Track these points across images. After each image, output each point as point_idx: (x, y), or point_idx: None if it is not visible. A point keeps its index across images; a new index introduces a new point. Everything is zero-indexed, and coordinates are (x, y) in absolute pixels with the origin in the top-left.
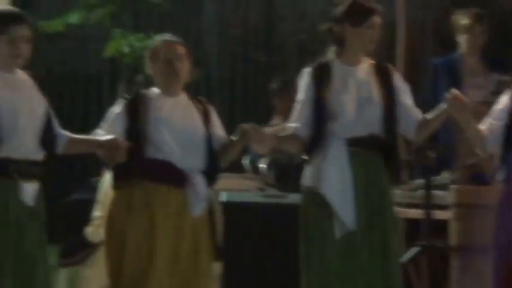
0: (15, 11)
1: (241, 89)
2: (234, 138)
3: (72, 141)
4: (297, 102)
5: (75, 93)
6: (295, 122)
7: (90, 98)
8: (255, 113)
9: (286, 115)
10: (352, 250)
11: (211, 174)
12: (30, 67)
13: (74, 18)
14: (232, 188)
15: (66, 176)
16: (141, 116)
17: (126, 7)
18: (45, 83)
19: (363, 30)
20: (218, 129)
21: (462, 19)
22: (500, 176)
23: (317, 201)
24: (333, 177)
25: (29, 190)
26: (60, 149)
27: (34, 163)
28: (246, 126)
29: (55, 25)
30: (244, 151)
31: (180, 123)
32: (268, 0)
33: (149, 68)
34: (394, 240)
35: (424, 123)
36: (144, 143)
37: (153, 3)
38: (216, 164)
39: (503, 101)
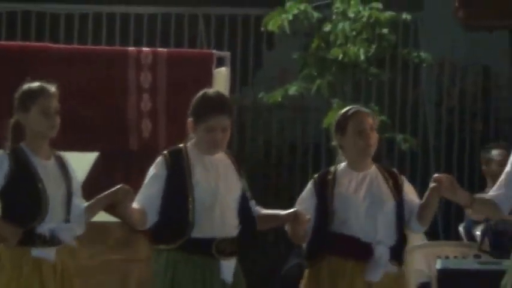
0: (216, 101)
1: (457, 158)
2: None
3: (260, 217)
4: (504, 173)
5: (293, 162)
6: (497, 190)
7: (308, 167)
8: (470, 180)
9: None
10: None
11: (398, 249)
12: (250, 137)
13: (293, 89)
14: (447, 255)
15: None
16: (328, 192)
17: (345, 77)
18: (265, 152)
19: None
20: (411, 196)
21: None
22: None
23: None
24: None
25: (229, 268)
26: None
27: (232, 240)
28: (442, 175)
29: (275, 96)
30: (460, 218)
31: (367, 199)
32: (485, 68)
33: (337, 140)
34: None
35: None
36: (330, 219)
37: (371, 73)
38: (402, 237)
39: None
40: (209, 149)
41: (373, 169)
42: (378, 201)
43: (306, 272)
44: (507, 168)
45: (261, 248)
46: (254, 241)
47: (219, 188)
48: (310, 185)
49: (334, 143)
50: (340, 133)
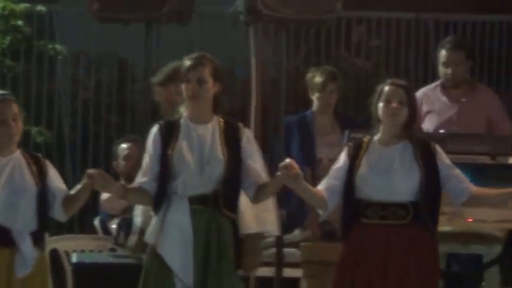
0: None
1: (93, 151)
2: (80, 184)
3: None
4: (145, 157)
5: None
6: (143, 177)
7: None
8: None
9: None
10: None
11: (40, 234)
12: None
13: None
14: (83, 249)
15: None
16: None
17: None
18: None
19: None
20: (57, 183)
21: (315, 77)
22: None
23: (159, 260)
24: (173, 238)
25: None
26: None
27: None
28: (93, 170)
29: None
30: (96, 212)
31: (10, 184)
32: (121, 61)
33: None
34: None
35: (262, 187)
36: None
37: (6, 66)
38: (46, 224)
39: (340, 159)
40: None
41: (17, 154)
42: (20, 188)
43: None
44: None
45: None
46: None
47: None
48: None
49: None
50: None
